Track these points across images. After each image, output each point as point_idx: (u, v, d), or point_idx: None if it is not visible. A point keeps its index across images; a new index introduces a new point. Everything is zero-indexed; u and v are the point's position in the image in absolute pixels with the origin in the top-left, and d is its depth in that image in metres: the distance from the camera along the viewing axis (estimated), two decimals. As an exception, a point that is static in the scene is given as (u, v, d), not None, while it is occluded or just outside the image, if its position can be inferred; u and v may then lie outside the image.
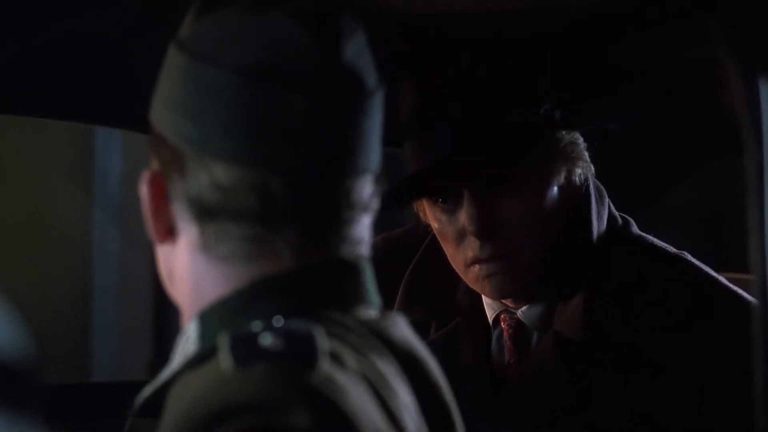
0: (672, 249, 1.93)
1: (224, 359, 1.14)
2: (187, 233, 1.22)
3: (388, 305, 1.98)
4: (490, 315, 1.95)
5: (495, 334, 1.95)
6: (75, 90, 2.02)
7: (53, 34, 1.74)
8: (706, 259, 1.93)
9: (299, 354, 1.14)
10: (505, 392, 1.89)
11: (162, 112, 1.22)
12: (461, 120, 1.82)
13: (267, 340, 1.14)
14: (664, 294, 1.84)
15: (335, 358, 1.16)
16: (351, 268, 1.23)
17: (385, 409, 1.18)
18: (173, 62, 1.22)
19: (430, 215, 1.89)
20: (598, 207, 1.92)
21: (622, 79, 2.12)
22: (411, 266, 2.05)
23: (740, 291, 1.87)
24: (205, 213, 1.20)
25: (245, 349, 1.14)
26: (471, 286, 1.91)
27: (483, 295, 1.95)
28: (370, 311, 1.24)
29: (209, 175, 1.19)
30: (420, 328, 1.96)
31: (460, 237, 1.85)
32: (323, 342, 1.16)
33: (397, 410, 1.19)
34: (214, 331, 1.19)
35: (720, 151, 2.51)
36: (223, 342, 1.15)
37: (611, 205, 1.95)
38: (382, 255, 2.11)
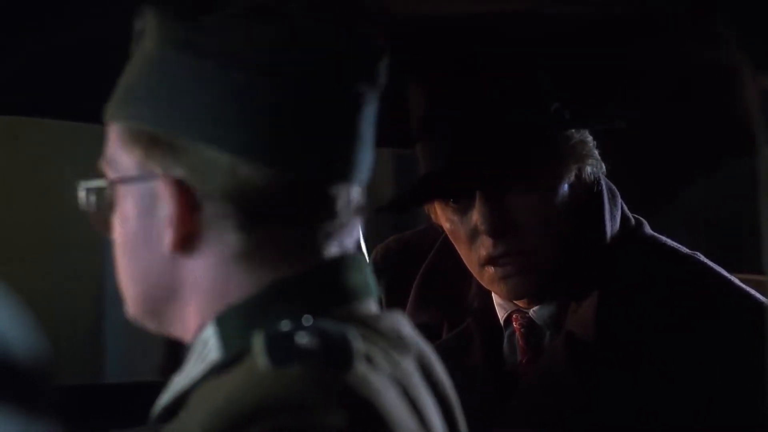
0: (685, 249, 1.93)
1: (260, 359, 1.13)
2: (208, 240, 1.21)
3: (400, 306, 1.99)
4: (501, 315, 1.96)
5: (507, 334, 1.95)
6: (89, 91, 2.02)
7: (65, 37, 1.75)
8: (718, 261, 1.93)
9: (335, 354, 1.14)
10: (518, 392, 1.89)
11: (189, 118, 1.19)
12: (471, 121, 1.82)
13: (303, 339, 1.14)
14: (677, 294, 1.84)
15: (368, 359, 1.16)
16: (357, 263, 1.25)
17: (415, 409, 1.18)
18: (192, 69, 1.20)
19: (442, 216, 1.90)
20: (610, 207, 1.92)
21: (632, 79, 2.12)
22: (423, 268, 2.05)
23: (753, 292, 1.87)
24: (242, 217, 1.19)
25: (281, 348, 1.14)
26: (486, 287, 1.91)
27: (495, 296, 1.95)
28: (373, 306, 1.25)
29: (240, 179, 1.18)
30: (432, 329, 1.97)
31: (473, 236, 1.86)
32: (358, 343, 1.16)
33: (425, 410, 1.20)
34: (235, 335, 1.19)
35: (732, 152, 2.50)
36: (258, 342, 1.15)
37: (624, 205, 1.96)
38: (394, 256, 2.12)
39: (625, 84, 2.13)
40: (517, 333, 1.93)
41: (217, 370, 1.19)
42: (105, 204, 1.27)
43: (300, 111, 1.19)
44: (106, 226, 1.28)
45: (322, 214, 1.22)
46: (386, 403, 1.13)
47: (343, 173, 1.22)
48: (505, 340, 1.95)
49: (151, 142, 1.21)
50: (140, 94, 1.22)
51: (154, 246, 1.23)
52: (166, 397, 1.24)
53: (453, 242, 1.91)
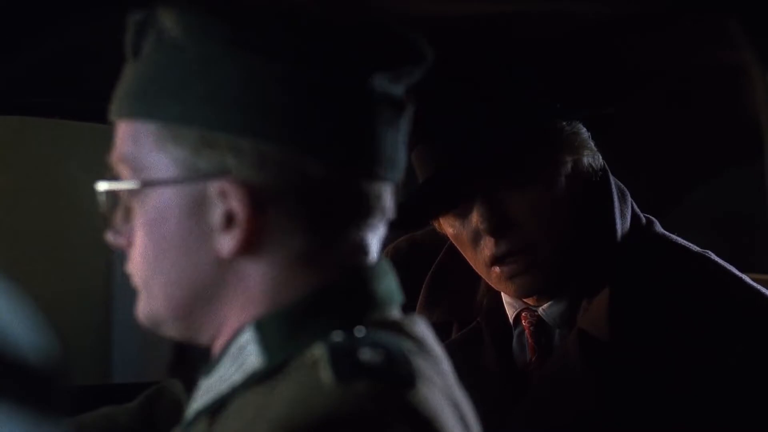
0: (696, 248, 1.93)
1: (325, 372, 1.12)
2: (269, 242, 1.18)
3: (411, 306, 1.99)
4: (510, 314, 1.96)
5: (516, 333, 1.95)
6: (100, 91, 2.02)
7: (73, 38, 1.75)
8: (728, 261, 1.93)
9: (399, 371, 1.13)
10: (528, 390, 1.89)
11: (254, 120, 1.16)
12: (463, 123, 1.82)
13: (366, 354, 1.13)
14: (689, 293, 1.84)
15: (424, 375, 1.16)
16: (386, 269, 1.24)
17: (463, 421, 1.18)
18: (254, 69, 1.17)
19: (444, 223, 1.90)
20: (620, 206, 1.92)
21: (641, 78, 2.12)
22: (432, 268, 2.06)
23: (765, 290, 1.87)
24: (308, 218, 1.18)
25: (346, 363, 1.12)
26: (494, 287, 1.91)
27: (504, 295, 1.96)
28: (398, 312, 1.25)
29: (310, 178, 1.17)
30: (441, 329, 1.97)
31: (476, 238, 1.86)
32: (416, 359, 1.16)
33: (470, 420, 1.20)
34: (278, 342, 1.18)
35: (741, 152, 2.50)
36: (322, 354, 1.14)
37: (634, 204, 1.96)
38: (404, 256, 2.12)
39: (633, 83, 2.13)
40: (527, 331, 1.94)
41: (259, 378, 1.17)
42: (128, 206, 1.22)
43: (360, 110, 1.19)
44: (126, 228, 1.23)
45: (369, 215, 1.21)
46: (446, 422, 1.13)
47: (392, 173, 1.22)
48: (515, 338, 1.95)
49: (202, 142, 1.17)
50: (183, 93, 1.17)
51: (202, 249, 1.19)
52: (200, 402, 1.22)
53: (458, 247, 1.91)
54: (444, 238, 2.06)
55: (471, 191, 1.84)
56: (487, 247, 1.85)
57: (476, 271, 1.91)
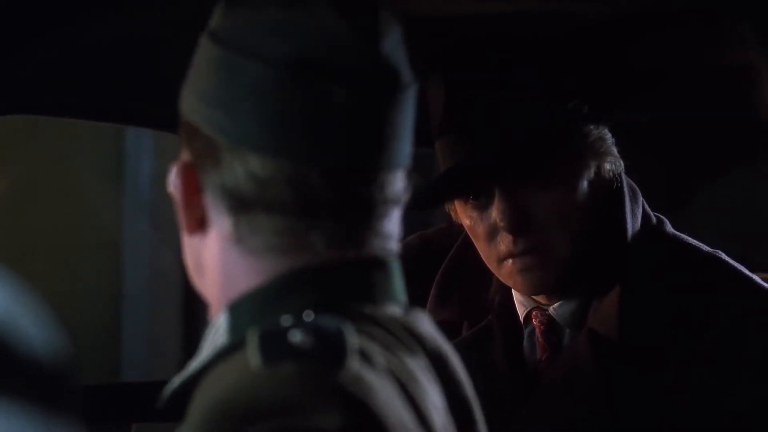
0: (706, 248, 1.93)
1: (253, 356, 1.13)
2: (219, 224, 1.22)
3: (422, 303, 1.99)
4: (521, 312, 1.96)
5: (527, 332, 1.95)
6: (105, 91, 2.03)
7: (85, 37, 1.75)
8: (739, 260, 1.93)
9: (328, 352, 1.13)
10: (538, 390, 1.89)
11: (196, 104, 1.22)
12: (491, 117, 1.83)
13: (296, 337, 1.14)
14: (700, 293, 1.84)
15: (364, 356, 1.15)
16: (381, 265, 1.23)
17: (414, 407, 1.17)
18: (208, 54, 1.22)
19: (462, 213, 1.90)
20: (632, 205, 1.92)
21: (652, 77, 2.12)
22: (443, 265, 2.06)
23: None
24: (239, 204, 1.20)
25: (274, 346, 1.14)
26: (504, 281, 1.91)
27: (515, 293, 1.95)
28: (397, 308, 1.24)
29: (245, 167, 1.19)
30: (452, 327, 1.97)
31: (492, 233, 1.86)
32: (353, 339, 1.15)
33: (426, 409, 1.19)
34: (245, 323, 1.19)
35: (751, 151, 2.50)
36: (252, 338, 1.15)
37: (645, 204, 1.96)
38: (417, 254, 2.12)
39: (648, 82, 2.13)
40: (537, 330, 1.93)
41: (221, 355, 1.19)
42: None
43: (307, 103, 1.19)
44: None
45: (341, 208, 1.20)
46: (380, 402, 1.12)
47: (359, 166, 1.21)
48: (525, 337, 1.95)
49: (184, 124, 1.25)
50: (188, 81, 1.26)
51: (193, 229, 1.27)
52: (176, 381, 1.23)
53: (472, 239, 1.91)
54: (456, 237, 2.06)
55: (492, 184, 1.84)
56: (503, 242, 1.85)
57: (487, 264, 1.91)
